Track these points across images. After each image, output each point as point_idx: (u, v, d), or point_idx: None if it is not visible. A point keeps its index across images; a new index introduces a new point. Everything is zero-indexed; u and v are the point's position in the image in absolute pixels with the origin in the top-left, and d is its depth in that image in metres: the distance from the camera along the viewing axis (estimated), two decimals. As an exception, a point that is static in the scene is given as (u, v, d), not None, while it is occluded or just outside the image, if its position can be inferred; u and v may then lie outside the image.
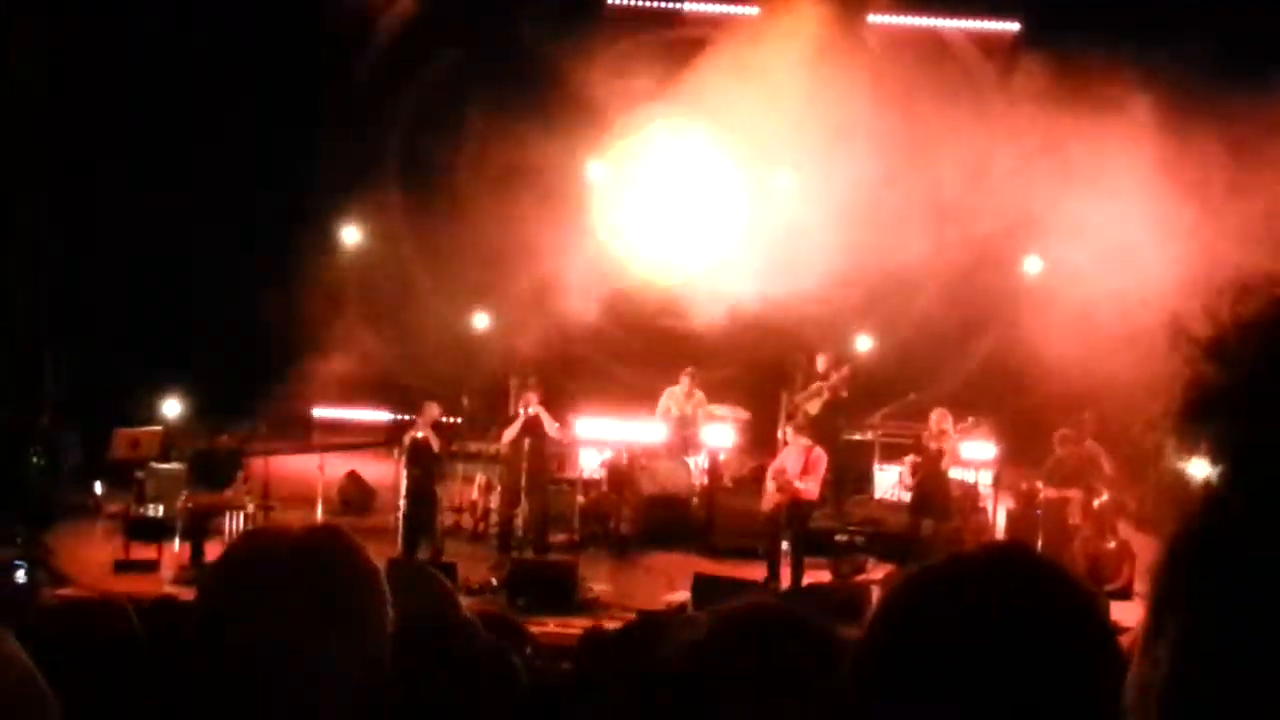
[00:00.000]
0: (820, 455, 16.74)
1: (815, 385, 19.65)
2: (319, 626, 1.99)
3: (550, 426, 16.53)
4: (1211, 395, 1.05)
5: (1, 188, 18.63)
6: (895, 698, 1.47)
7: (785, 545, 16.36)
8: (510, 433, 16.67)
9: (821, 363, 19.98)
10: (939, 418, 17.49)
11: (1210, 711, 1.00)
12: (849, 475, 19.22)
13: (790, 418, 18.99)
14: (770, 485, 16.51)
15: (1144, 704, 1.07)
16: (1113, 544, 15.67)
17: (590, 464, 18.20)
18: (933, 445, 17.15)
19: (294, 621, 1.97)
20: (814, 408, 19.28)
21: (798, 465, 16.58)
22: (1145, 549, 15.65)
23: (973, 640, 1.46)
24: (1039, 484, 17.06)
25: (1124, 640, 1.37)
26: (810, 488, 16.48)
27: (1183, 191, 18.73)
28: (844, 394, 19.32)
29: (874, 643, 1.53)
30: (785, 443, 17.52)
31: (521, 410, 16.67)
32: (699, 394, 18.92)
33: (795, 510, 16.44)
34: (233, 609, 2.01)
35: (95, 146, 19.82)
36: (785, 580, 15.87)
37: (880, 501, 18.80)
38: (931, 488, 17.02)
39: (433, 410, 16.90)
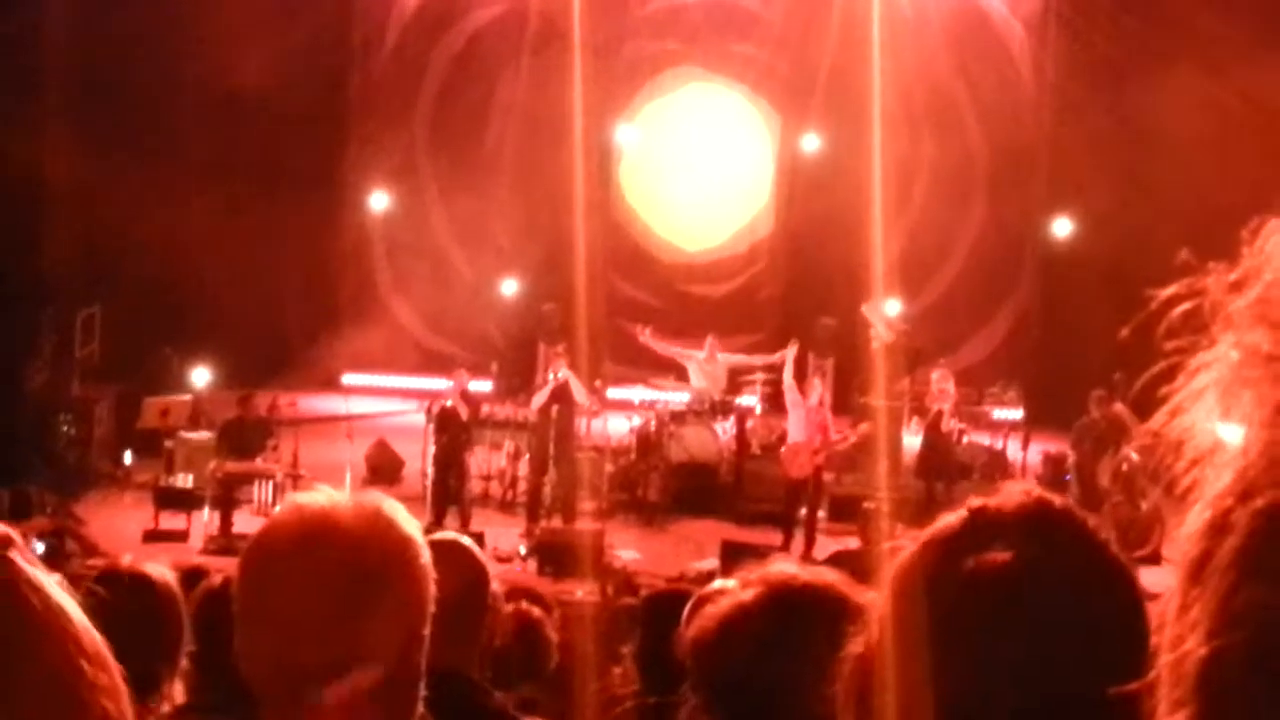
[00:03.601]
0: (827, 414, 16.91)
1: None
2: (359, 604, 1.97)
3: (579, 393, 16.50)
4: (1257, 360, 1.02)
5: (35, 155, 18.63)
6: (914, 657, 1.45)
7: (803, 511, 16.47)
8: (539, 399, 16.65)
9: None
10: (940, 377, 17.48)
11: (1251, 682, 0.98)
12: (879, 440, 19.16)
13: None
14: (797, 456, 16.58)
15: (1177, 674, 1.04)
16: (1143, 508, 15.60)
17: (619, 431, 18.18)
18: (934, 406, 17.13)
19: (333, 598, 1.95)
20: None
21: (816, 432, 16.68)
22: (1175, 514, 15.62)
23: (996, 600, 1.44)
24: (1068, 448, 17.03)
25: (1153, 608, 1.35)
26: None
27: (1213, 149, 18.64)
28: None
29: (889, 603, 1.51)
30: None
31: (550, 376, 16.63)
32: (722, 357, 18.82)
33: (819, 477, 16.56)
34: (274, 583, 1.99)
35: (129, 112, 19.84)
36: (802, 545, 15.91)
37: (910, 466, 18.76)
38: (936, 449, 17.01)
39: (461, 378, 16.91)
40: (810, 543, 15.96)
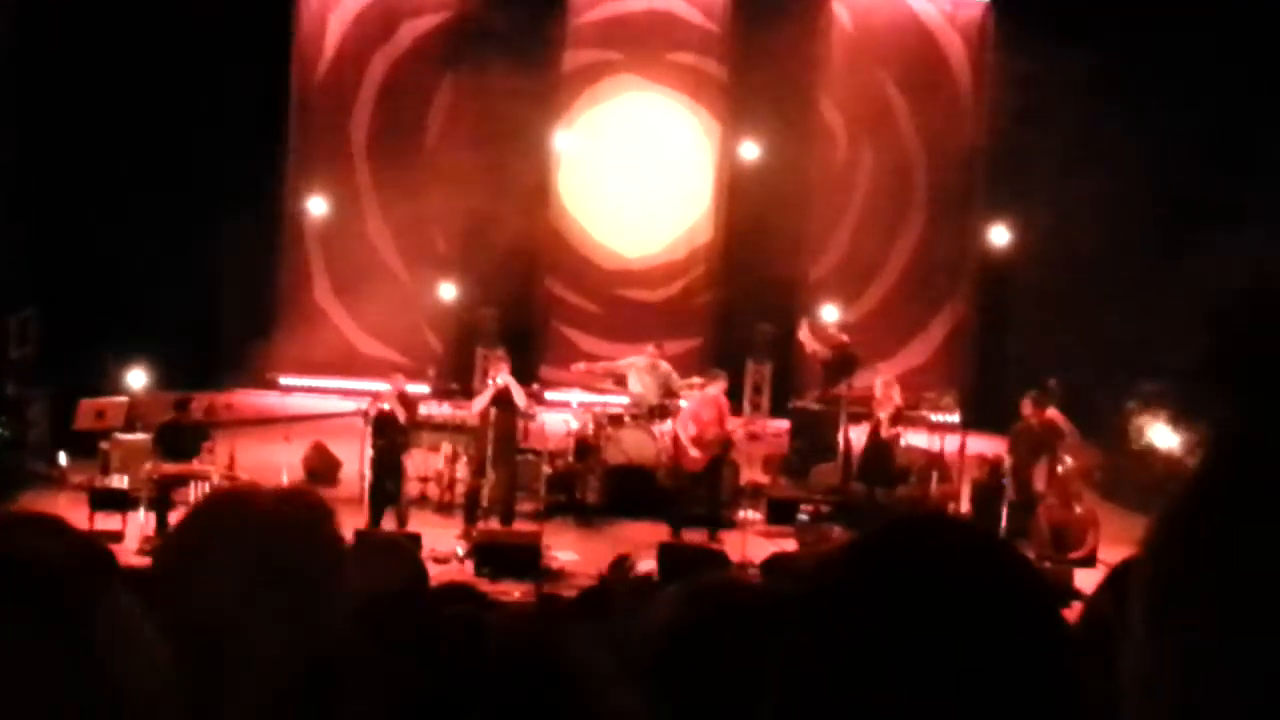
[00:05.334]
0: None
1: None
2: (270, 591, 1.98)
3: (519, 397, 16.49)
4: (1218, 364, 1.05)
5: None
6: (829, 674, 1.46)
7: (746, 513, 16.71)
8: (479, 403, 16.62)
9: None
10: (884, 385, 17.62)
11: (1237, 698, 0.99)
12: (815, 445, 19.27)
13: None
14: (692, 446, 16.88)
15: (1149, 695, 1.06)
16: (1078, 511, 15.74)
17: (556, 434, 18.19)
18: (879, 412, 17.28)
19: (244, 584, 1.96)
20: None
21: (710, 414, 16.94)
22: (1109, 517, 15.78)
23: (903, 612, 1.45)
24: (1004, 452, 17.17)
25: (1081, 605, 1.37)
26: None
27: (1150, 161, 18.85)
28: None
29: (815, 607, 1.53)
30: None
31: (491, 381, 16.60)
32: (664, 366, 18.88)
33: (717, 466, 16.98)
34: (185, 570, 2.00)
35: (59, 111, 19.70)
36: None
37: (845, 470, 18.86)
38: (876, 455, 17.16)
39: (398, 381, 16.89)
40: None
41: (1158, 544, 1.12)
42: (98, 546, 1.55)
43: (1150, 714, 1.07)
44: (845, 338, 19.74)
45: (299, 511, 2.06)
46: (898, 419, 17.42)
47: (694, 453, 16.74)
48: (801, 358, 20.80)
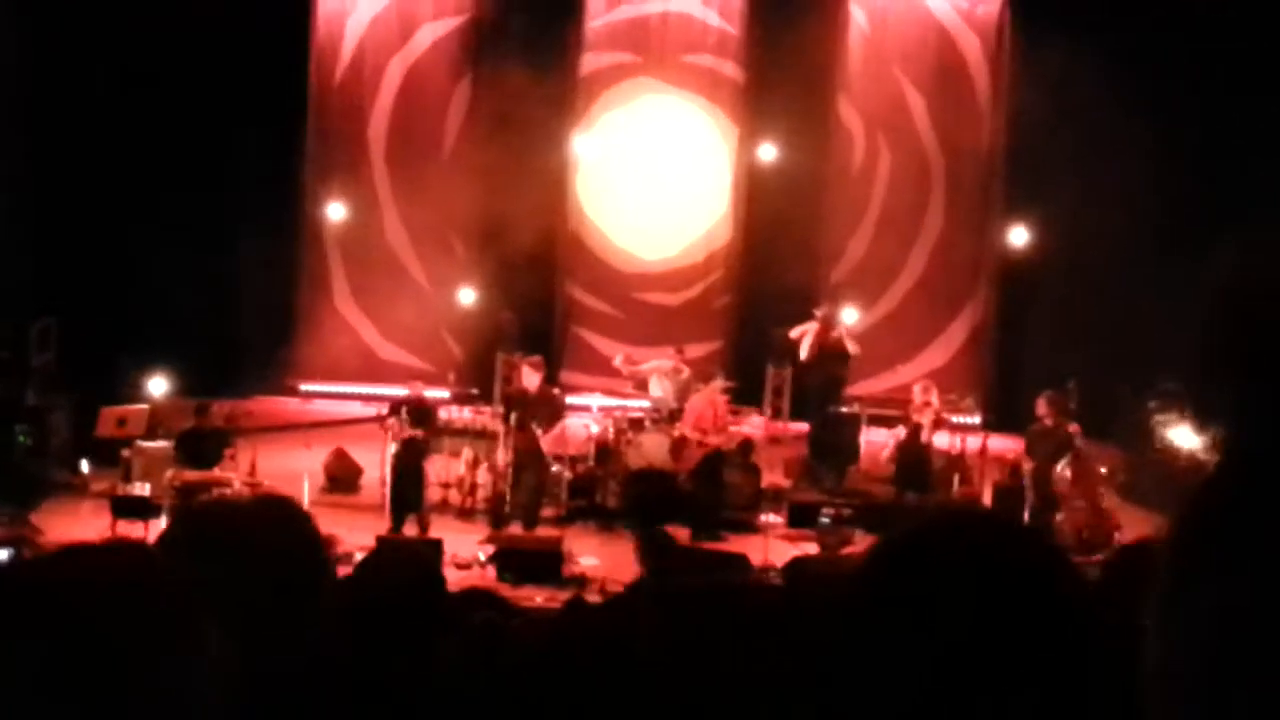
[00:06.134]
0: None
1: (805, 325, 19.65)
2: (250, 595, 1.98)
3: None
4: (1233, 353, 1.05)
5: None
6: (872, 665, 1.47)
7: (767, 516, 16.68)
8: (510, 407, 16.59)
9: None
10: (923, 390, 17.63)
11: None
12: (836, 448, 19.24)
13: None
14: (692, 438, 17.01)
15: (1169, 677, 1.06)
16: (1100, 513, 15.69)
17: (577, 438, 18.19)
18: (915, 418, 17.26)
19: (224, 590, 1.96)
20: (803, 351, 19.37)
21: (710, 415, 17.05)
22: (1130, 518, 15.72)
23: (945, 602, 1.46)
24: (1024, 454, 17.11)
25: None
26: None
27: (1169, 159, 18.83)
28: (835, 333, 19.26)
29: (853, 610, 1.53)
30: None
31: (524, 389, 16.52)
32: (686, 372, 18.89)
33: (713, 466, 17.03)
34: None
35: (78, 119, 19.77)
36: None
37: (867, 474, 18.84)
38: (913, 460, 17.13)
39: (416, 388, 16.90)
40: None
41: (1177, 538, 1.11)
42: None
43: (1170, 706, 1.07)
44: (850, 345, 19.49)
45: (277, 516, 2.06)
46: (939, 424, 17.45)
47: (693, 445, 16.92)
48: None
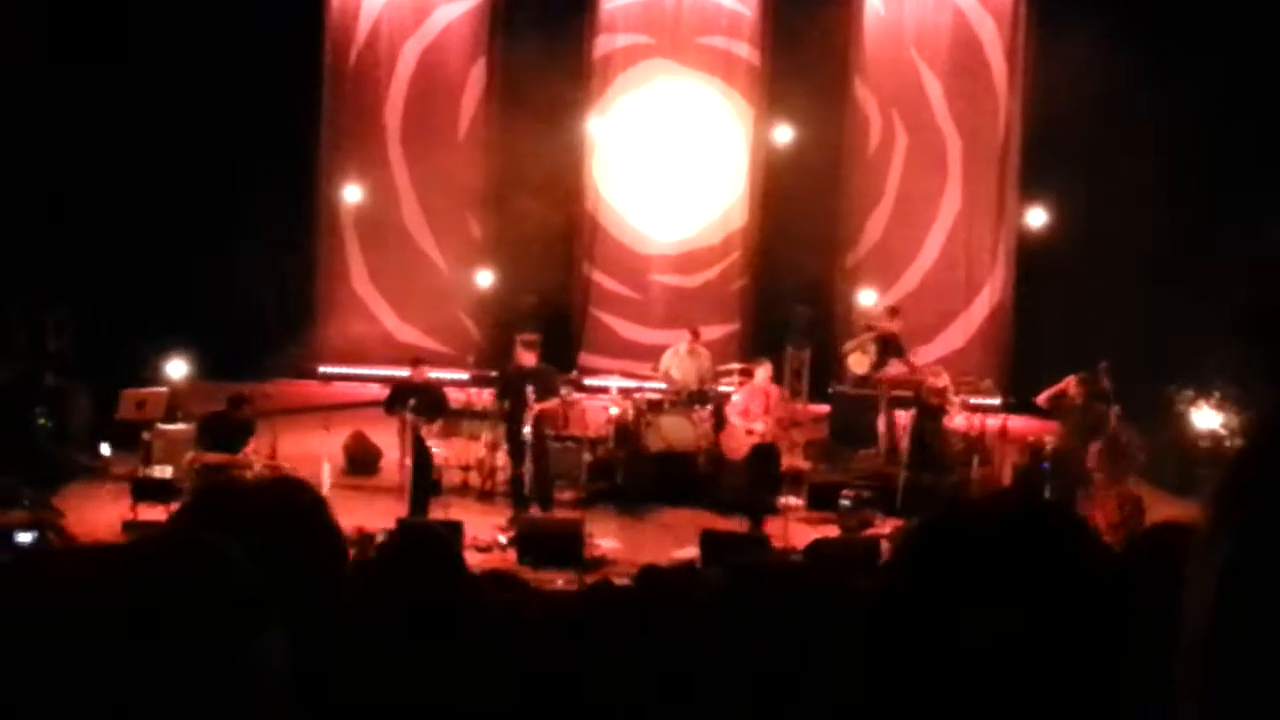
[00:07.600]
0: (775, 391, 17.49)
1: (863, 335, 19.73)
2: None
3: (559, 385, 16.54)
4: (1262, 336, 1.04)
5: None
6: (915, 645, 1.48)
7: (787, 499, 16.64)
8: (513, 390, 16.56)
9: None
10: (934, 375, 17.65)
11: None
12: (855, 429, 19.25)
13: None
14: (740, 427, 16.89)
15: (1200, 621, 1.05)
16: (1122, 494, 15.65)
17: (597, 420, 18.19)
18: (933, 400, 17.22)
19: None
20: (861, 361, 19.45)
21: (759, 405, 16.88)
22: (1154, 501, 15.68)
23: (990, 587, 1.47)
24: (1046, 436, 17.08)
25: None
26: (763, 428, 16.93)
27: (1186, 140, 18.78)
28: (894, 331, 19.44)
29: (892, 592, 1.54)
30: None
31: (521, 366, 16.46)
32: (703, 352, 18.86)
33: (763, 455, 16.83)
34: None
35: (94, 104, 19.80)
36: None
37: (888, 455, 18.83)
38: (930, 442, 17.09)
39: (422, 371, 16.75)
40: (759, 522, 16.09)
41: (1208, 503, 1.11)
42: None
43: (1186, 670, 1.07)
44: (887, 323, 19.65)
45: (290, 498, 2.07)
46: (952, 405, 17.46)
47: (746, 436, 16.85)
48: (840, 340, 20.80)
